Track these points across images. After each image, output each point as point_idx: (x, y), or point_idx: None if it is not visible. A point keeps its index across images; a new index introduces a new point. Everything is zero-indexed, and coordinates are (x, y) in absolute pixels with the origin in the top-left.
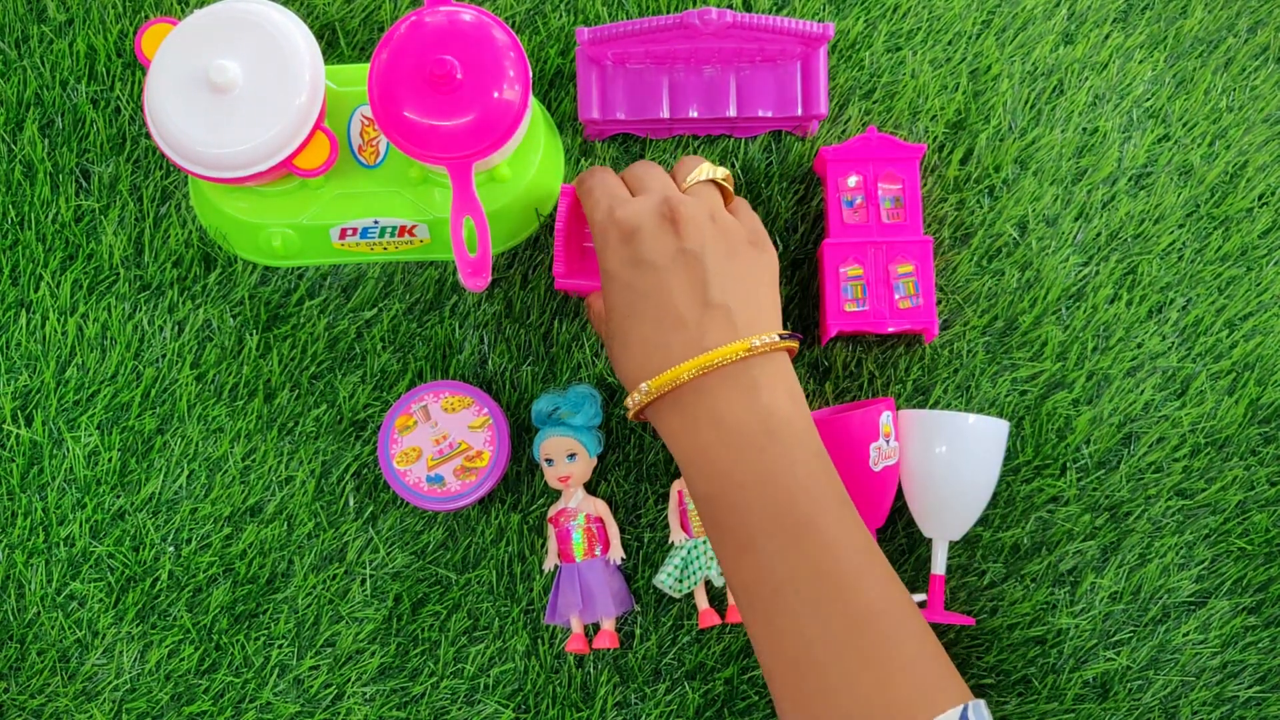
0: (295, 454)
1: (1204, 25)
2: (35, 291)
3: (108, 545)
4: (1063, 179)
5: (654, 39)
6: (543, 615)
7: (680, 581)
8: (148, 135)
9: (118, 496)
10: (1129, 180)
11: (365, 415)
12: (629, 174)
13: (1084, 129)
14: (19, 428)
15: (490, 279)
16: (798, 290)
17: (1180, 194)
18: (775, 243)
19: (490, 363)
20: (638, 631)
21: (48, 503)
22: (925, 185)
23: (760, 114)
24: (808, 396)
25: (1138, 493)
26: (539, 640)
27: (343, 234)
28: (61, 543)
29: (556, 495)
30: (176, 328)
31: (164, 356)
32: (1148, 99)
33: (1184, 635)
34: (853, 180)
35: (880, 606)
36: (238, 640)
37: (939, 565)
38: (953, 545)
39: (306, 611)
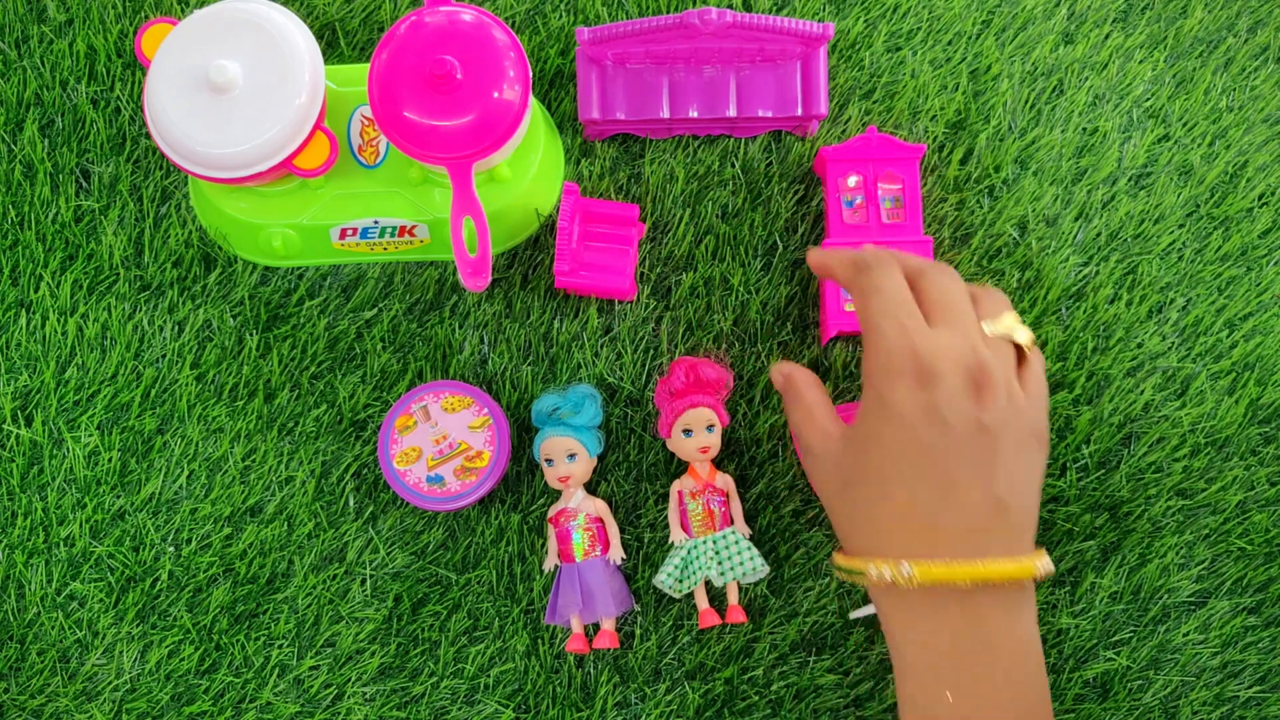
0: (295, 454)
1: (1204, 25)
2: (35, 291)
3: (108, 545)
4: (1063, 179)
5: (654, 39)
6: (543, 615)
7: (680, 581)
8: (148, 135)
9: (118, 497)
10: (1129, 180)
11: (365, 415)
12: (929, 284)
13: (1084, 129)
14: (19, 428)
15: (490, 279)
16: (798, 290)
17: (1180, 194)
18: (775, 244)
19: (490, 363)
20: (638, 631)
21: (48, 503)
22: (925, 185)
23: (760, 114)
24: None
25: (1138, 493)
26: (539, 640)
27: (343, 234)
28: (61, 543)
29: (556, 495)
30: (176, 328)
31: (164, 357)
32: (1148, 99)
33: (1184, 635)
34: (853, 180)
35: None
36: (238, 640)
37: None
38: None
39: (306, 611)
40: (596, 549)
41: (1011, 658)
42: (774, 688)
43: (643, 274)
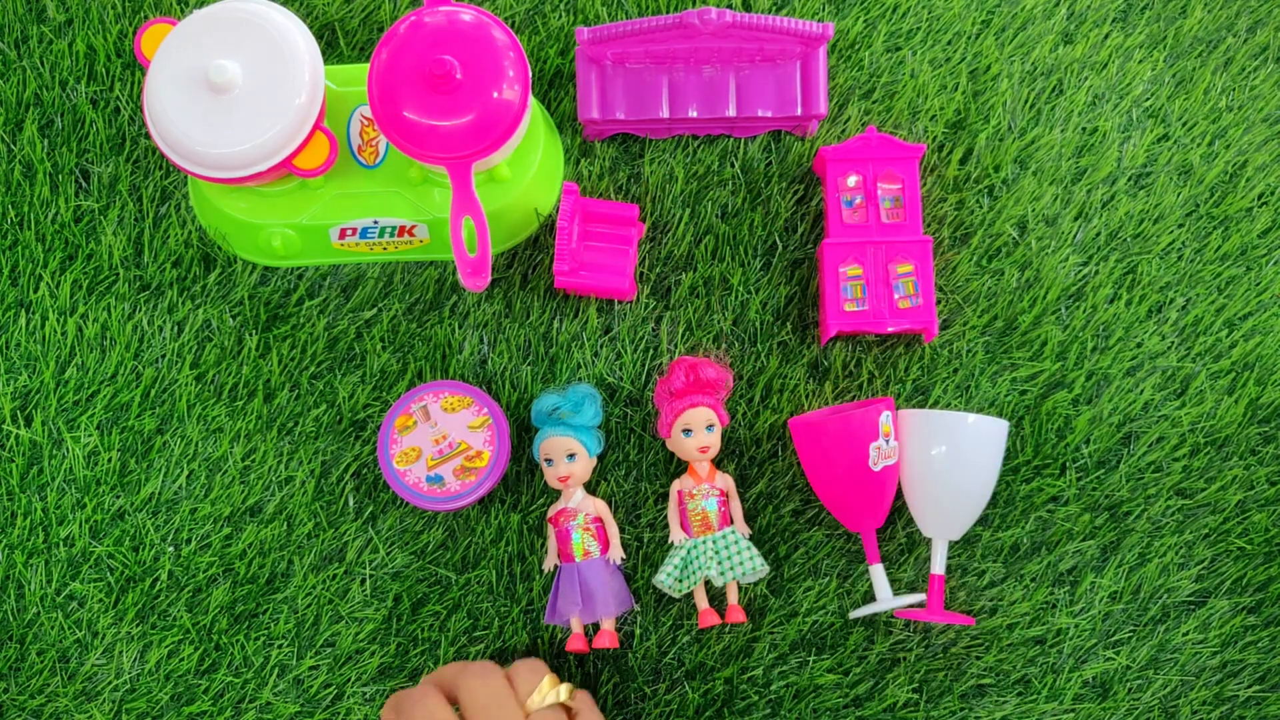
0: (295, 454)
1: (1204, 25)
2: (35, 291)
3: (107, 545)
4: (1062, 179)
5: (653, 39)
6: (543, 615)
7: (680, 581)
8: (147, 135)
9: (117, 497)
10: (1129, 180)
11: (365, 415)
12: (463, 695)
13: (1084, 129)
14: (19, 428)
15: (490, 279)
16: (798, 290)
17: (1180, 194)
18: (775, 244)
19: (490, 363)
20: (638, 631)
21: (47, 503)
22: (925, 185)
23: (760, 114)
24: (807, 397)
25: (1137, 492)
26: (539, 640)
27: (342, 234)
28: (61, 543)
29: (556, 495)
30: (176, 328)
31: (164, 357)
32: (1147, 99)
33: (1184, 635)
34: (852, 180)
35: None
36: (238, 640)
37: (939, 565)
38: (952, 545)
39: (306, 611)
40: (596, 549)
41: None
42: (774, 687)
43: (642, 274)
